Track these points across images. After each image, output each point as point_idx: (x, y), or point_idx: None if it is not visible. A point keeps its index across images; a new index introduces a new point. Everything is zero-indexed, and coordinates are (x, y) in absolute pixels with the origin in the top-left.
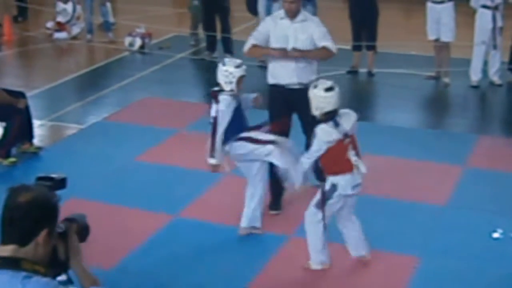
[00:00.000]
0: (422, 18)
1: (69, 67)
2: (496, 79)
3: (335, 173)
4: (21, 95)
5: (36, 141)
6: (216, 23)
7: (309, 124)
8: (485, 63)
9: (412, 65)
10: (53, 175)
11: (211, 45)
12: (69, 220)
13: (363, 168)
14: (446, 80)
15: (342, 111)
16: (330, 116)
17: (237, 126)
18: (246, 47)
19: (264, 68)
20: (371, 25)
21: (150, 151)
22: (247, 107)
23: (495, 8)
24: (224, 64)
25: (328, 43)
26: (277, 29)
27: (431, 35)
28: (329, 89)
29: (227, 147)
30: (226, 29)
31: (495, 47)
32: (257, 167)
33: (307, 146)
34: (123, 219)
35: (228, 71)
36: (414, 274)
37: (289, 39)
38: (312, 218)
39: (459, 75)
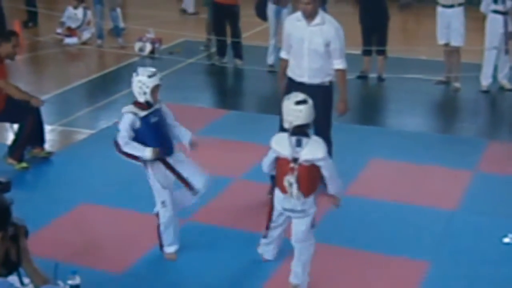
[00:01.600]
0: (432, 23)
1: (80, 72)
2: (505, 82)
3: (276, 184)
4: None
5: (46, 146)
6: (226, 28)
7: (319, 124)
8: (495, 68)
9: (422, 70)
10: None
11: (221, 50)
12: (13, 224)
13: (295, 202)
14: (456, 84)
15: (315, 139)
16: (298, 132)
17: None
18: (280, 55)
19: (273, 73)
20: (382, 30)
21: None
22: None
23: (506, 13)
24: (137, 74)
25: (342, 65)
26: (293, 30)
27: (441, 39)
28: (300, 102)
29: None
30: (236, 34)
31: (507, 52)
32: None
33: None
34: (134, 224)
35: (141, 82)
36: (424, 279)
37: (304, 42)
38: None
39: (470, 80)
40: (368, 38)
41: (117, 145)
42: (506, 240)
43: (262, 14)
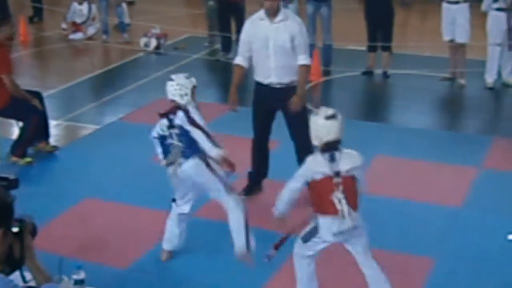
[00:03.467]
0: (437, 19)
1: (85, 67)
2: (510, 79)
3: (317, 211)
4: (37, 95)
5: (51, 141)
6: (231, 24)
7: (294, 125)
8: (499, 65)
9: (428, 67)
10: (8, 176)
11: (226, 46)
12: (20, 221)
13: (348, 220)
14: (461, 81)
15: (347, 150)
16: (330, 148)
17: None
18: (235, 61)
19: None
20: (387, 26)
21: None
22: None
23: (509, 10)
24: (173, 80)
25: (306, 61)
26: (256, 31)
27: (446, 35)
28: (330, 117)
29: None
30: (241, 30)
31: (510, 48)
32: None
33: (297, 151)
34: (138, 219)
35: (180, 84)
36: (429, 276)
37: (269, 40)
38: (296, 250)
39: (475, 76)
40: (373, 34)
41: (208, 134)
42: (511, 237)
43: None
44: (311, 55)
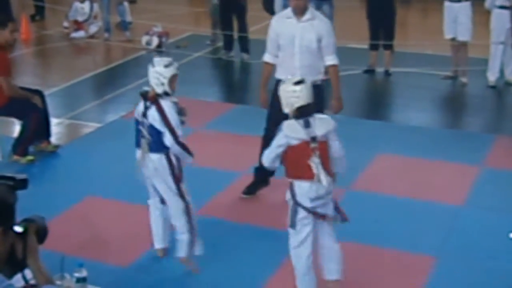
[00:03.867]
0: (439, 18)
1: (87, 65)
2: None
3: (293, 177)
4: (38, 93)
5: (53, 139)
6: (233, 22)
7: None
8: (502, 63)
9: (429, 65)
10: (15, 175)
11: (228, 44)
12: (27, 221)
13: (324, 180)
14: (463, 79)
15: (319, 115)
16: (302, 114)
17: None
18: (263, 58)
19: None
20: (389, 25)
21: None
22: None
23: None
24: (153, 65)
25: (335, 61)
26: (283, 29)
27: (448, 34)
28: (298, 83)
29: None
30: (243, 28)
31: None
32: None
33: None
34: (140, 217)
35: (158, 72)
36: (430, 274)
37: (295, 39)
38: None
39: (477, 75)
40: (375, 33)
41: (177, 138)
42: None
43: (269, 8)
44: None
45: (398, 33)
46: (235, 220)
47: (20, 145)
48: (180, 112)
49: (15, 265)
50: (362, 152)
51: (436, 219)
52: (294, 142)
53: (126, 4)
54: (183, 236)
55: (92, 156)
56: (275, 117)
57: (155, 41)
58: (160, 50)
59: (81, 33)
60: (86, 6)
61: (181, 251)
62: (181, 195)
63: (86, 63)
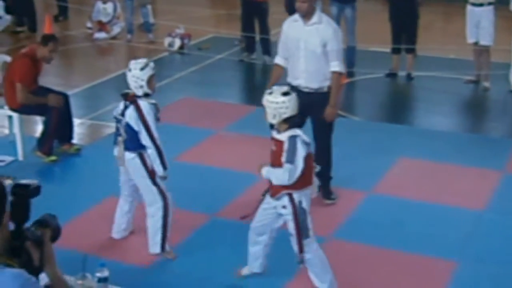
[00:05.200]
0: (461, 22)
1: (109, 66)
2: None
3: (302, 186)
4: (64, 96)
5: (75, 140)
6: (255, 24)
7: (319, 128)
8: None
9: (452, 69)
10: (29, 183)
11: (250, 46)
12: (42, 225)
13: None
14: (485, 84)
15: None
16: (291, 124)
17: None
18: (274, 60)
19: None
20: (411, 28)
21: (189, 152)
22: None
23: None
24: (129, 70)
25: (339, 68)
26: (290, 32)
27: (470, 38)
28: (286, 94)
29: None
30: (264, 30)
31: None
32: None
33: (316, 153)
34: None
35: (135, 76)
36: (451, 279)
37: (300, 43)
38: (310, 251)
39: (499, 79)
40: (397, 36)
41: (155, 142)
42: None
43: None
44: None
45: (421, 37)
46: None
47: (45, 143)
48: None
49: (31, 272)
50: (384, 156)
51: (457, 224)
52: (309, 150)
53: (149, 7)
54: (156, 235)
55: (114, 156)
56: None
57: (177, 42)
58: (182, 51)
59: (103, 34)
60: (109, 6)
61: (154, 248)
62: (161, 193)
63: (108, 64)
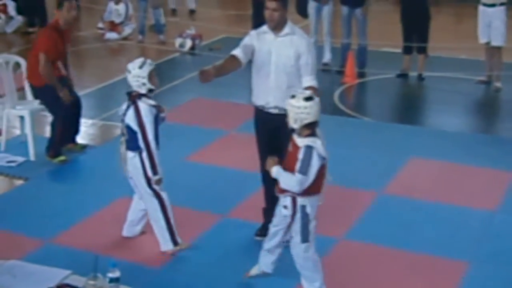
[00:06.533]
0: (473, 22)
1: (120, 67)
2: None
3: (311, 193)
4: (77, 100)
5: (86, 140)
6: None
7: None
8: None
9: (463, 69)
10: None
11: None
12: None
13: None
14: (497, 84)
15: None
16: (311, 130)
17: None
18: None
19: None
20: (423, 29)
21: (200, 152)
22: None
23: None
24: (129, 71)
25: (313, 82)
26: (260, 44)
27: (482, 38)
28: (308, 99)
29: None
30: None
31: None
32: None
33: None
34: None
35: (135, 76)
36: (463, 279)
37: (271, 56)
38: (305, 255)
39: (511, 80)
40: (409, 37)
41: (149, 147)
42: None
43: (303, 11)
44: (345, 57)
45: (432, 37)
46: None
47: (51, 148)
48: (158, 110)
49: None
50: (394, 156)
51: (469, 224)
52: (323, 162)
53: (161, 9)
54: (164, 232)
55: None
56: (262, 148)
57: (188, 43)
58: (193, 52)
59: (114, 35)
60: (121, 8)
61: (165, 246)
62: (155, 194)
63: (119, 64)
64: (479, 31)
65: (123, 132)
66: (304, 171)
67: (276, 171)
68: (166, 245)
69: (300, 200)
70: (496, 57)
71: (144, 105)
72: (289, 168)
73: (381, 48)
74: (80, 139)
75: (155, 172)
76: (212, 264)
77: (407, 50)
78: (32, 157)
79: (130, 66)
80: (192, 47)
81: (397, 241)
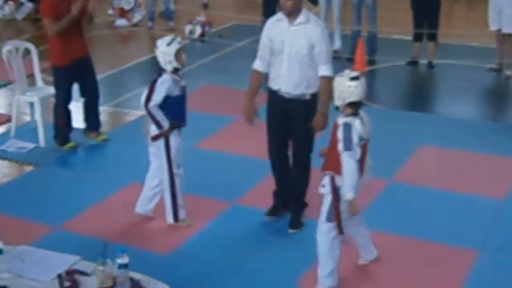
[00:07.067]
0: (484, 9)
1: (130, 54)
2: None
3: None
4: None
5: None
6: (276, 12)
7: (298, 144)
8: None
9: (474, 57)
10: None
11: None
12: None
13: (367, 176)
14: (508, 72)
15: (363, 112)
16: (354, 110)
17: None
18: (253, 65)
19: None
20: (433, 16)
21: (210, 139)
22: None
23: None
24: (157, 47)
25: (329, 72)
26: (274, 32)
27: (493, 25)
28: (354, 78)
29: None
30: None
31: None
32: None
33: (295, 165)
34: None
35: (162, 52)
36: (472, 268)
37: (285, 45)
38: (326, 236)
39: None
40: (419, 24)
41: (146, 103)
42: None
43: (268, 12)
44: (355, 44)
45: (442, 25)
46: None
47: (58, 135)
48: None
49: None
50: (404, 144)
51: (478, 213)
52: (361, 142)
53: None
54: (169, 205)
55: (136, 143)
56: (272, 129)
57: (198, 30)
58: (203, 39)
59: (124, 22)
60: None
61: (168, 218)
62: (170, 173)
63: (129, 51)
64: (490, 18)
65: None
66: (348, 146)
67: (350, 193)
68: (169, 217)
69: (337, 180)
70: (507, 45)
71: (165, 76)
72: (333, 150)
73: (391, 36)
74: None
75: (160, 126)
76: (220, 251)
77: (417, 37)
78: (42, 143)
79: (159, 42)
80: (202, 34)
81: (406, 229)
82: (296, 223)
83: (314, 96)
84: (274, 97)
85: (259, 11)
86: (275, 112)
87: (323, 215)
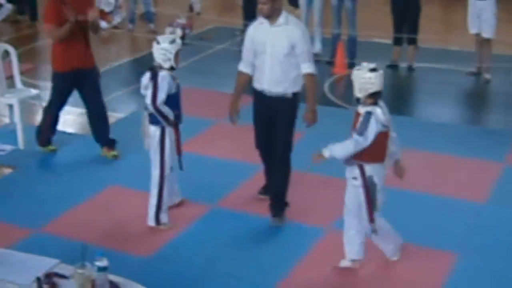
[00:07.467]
0: (463, 13)
1: (110, 56)
2: None
3: (371, 160)
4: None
5: (75, 129)
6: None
7: (277, 142)
8: None
9: (453, 61)
10: None
11: None
12: None
13: (388, 162)
14: (487, 76)
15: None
16: (374, 99)
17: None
18: (238, 67)
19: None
20: (413, 20)
21: (190, 142)
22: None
23: None
24: (158, 43)
25: (311, 69)
26: (257, 34)
27: (472, 29)
28: (373, 70)
29: None
30: None
31: None
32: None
33: (276, 164)
34: None
35: (164, 49)
36: (451, 271)
37: (266, 46)
38: (379, 227)
39: (501, 72)
40: (399, 28)
41: (154, 102)
42: None
43: (293, 1)
44: (336, 47)
45: (422, 28)
46: (257, 212)
47: (39, 136)
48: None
49: None
50: None
51: (458, 216)
52: (384, 129)
53: None
54: (152, 207)
55: (116, 146)
56: (258, 128)
57: (178, 32)
58: (183, 42)
59: (103, 24)
60: None
61: (150, 220)
62: (161, 169)
63: (109, 53)
64: (469, 22)
65: (145, 107)
66: (361, 131)
67: (328, 151)
68: (150, 220)
69: (367, 170)
70: (486, 49)
71: (164, 72)
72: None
73: (371, 39)
74: (68, 127)
75: (169, 123)
76: (200, 254)
77: (397, 41)
78: (21, 145)
79: (161, 38)
80: (183, 37)
81: None
82: (280, 213)
83: (295, 94)
84: (258, 96)
85: (238, 14)
86: (259, 110)
87: (363, 217)
